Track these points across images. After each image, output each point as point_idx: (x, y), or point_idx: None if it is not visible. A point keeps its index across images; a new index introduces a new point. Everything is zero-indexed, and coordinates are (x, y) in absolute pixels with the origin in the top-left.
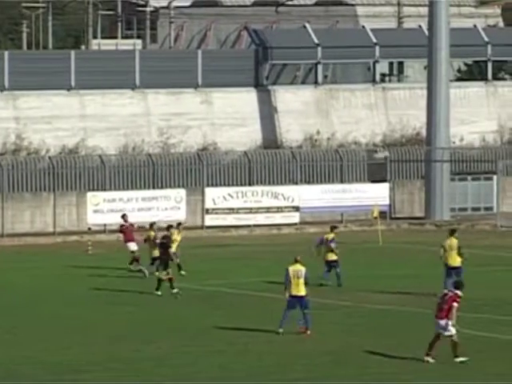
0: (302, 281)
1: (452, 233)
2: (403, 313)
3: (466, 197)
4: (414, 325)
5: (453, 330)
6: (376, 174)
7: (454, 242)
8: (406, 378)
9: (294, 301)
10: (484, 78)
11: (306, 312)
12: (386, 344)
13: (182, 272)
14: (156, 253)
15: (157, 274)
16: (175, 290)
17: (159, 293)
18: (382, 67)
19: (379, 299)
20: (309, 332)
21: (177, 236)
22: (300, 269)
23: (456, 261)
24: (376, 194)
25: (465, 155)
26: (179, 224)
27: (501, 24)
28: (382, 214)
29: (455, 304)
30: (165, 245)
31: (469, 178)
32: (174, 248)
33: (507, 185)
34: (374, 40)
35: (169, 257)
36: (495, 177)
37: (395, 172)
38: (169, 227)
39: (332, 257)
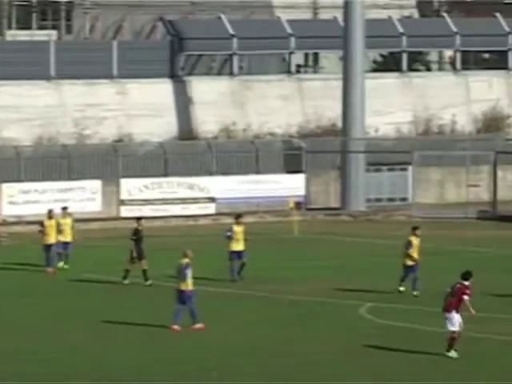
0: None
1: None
2: (316, 303)
3: (382, 187)
4: (326, 315)
5: (457, 326)
6: (292, 165)
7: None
8: (312, 367)
9: (179, 295)
10: (399, 69)
11: (187, 307)
12: (297, 335)
13: (66, 266)
14: (47, 240)
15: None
16: (149, 282)
17: (126, 282)
18: (298, 58)
19: (293, 290)
20: (198, 325)
21: (62, 220)
22: (181, 263)
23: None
24: (292, 185)
25: (380, 146)
26: (64, 208)
27: (416, 15)
28: (298, 205)
29: (465, 297)
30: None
31: (384, 168)
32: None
33: (422, 176)
34: (290, 31)
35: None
36: (410, 168)
37: (311, 163)
38: (138, 218)
39: (237, 246)
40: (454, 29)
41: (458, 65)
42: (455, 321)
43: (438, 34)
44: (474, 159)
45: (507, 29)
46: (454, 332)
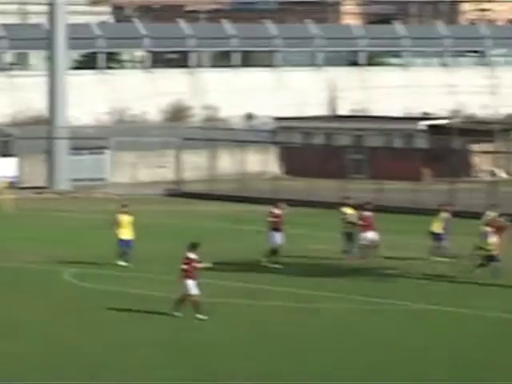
0: None
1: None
2: (30, 270)
3: (83, 169)
4: (38, 281)
5: (193, 291)
6: (4, 150)
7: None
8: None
9: None
10: (97, 67)
11: None
12: (29, 299)
13: None
14: None
15: None
16: None
17: None
18: (8, 57)
19: (9, 258)
20: None
21: None
22: None
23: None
24: (5, 167)
25: (82, 133)
26: None
27: (112, 20)
28: (11, 185)
29: (196, 264)
30: None
31: (85, 152)
32: None
33: (118, 158)
34: (1, 34)
35: None
36: (108, 151)
37: (22, 148)
38: None
39: None
40: (144, 32)
41: (148, 63)
42: (191, 286)
43: (131, 37)
44: (162, 144)
45: (187, 32)
46: (193, 295)
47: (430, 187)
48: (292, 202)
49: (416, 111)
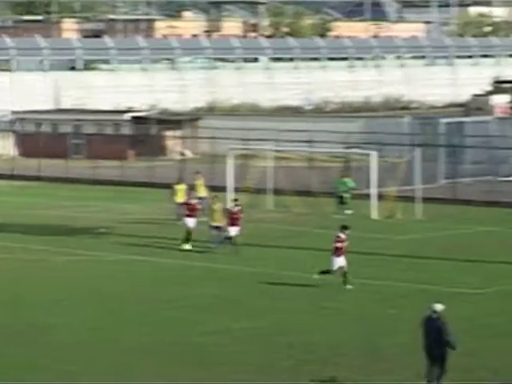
0: None
1: None
2: None
3: None
4: None
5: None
6: None
7: None
8: None
9: None
10: None
11: None
12: None
13: None
14: None
15: None
16: None
17: None
18: None
19: None
20: None
21: None
22: None
23: None
24: None
25: None
26: None
27: None
28: None
29: (338, 244)
30: None
31: None
32: None
33: None
34: None
35: None
36: None
37: None
38: None
39: None
40: None
41: None
42: (333, 263)
43: None
44: None
45: None
46: (333, 270)
47: (133, 164)
48: (26, 177)
49: (122, 106)
